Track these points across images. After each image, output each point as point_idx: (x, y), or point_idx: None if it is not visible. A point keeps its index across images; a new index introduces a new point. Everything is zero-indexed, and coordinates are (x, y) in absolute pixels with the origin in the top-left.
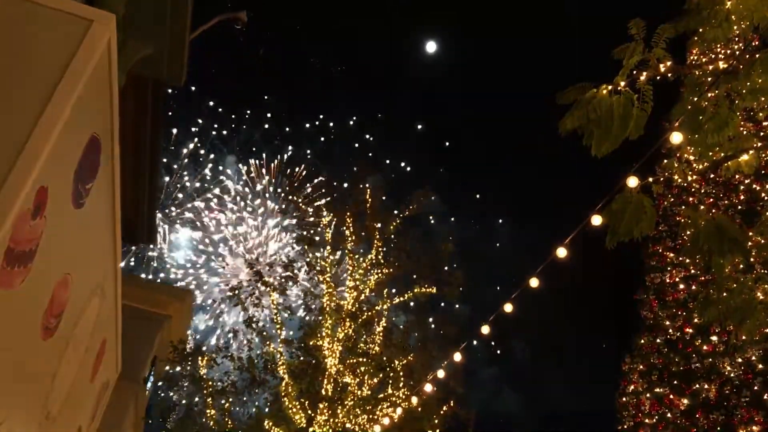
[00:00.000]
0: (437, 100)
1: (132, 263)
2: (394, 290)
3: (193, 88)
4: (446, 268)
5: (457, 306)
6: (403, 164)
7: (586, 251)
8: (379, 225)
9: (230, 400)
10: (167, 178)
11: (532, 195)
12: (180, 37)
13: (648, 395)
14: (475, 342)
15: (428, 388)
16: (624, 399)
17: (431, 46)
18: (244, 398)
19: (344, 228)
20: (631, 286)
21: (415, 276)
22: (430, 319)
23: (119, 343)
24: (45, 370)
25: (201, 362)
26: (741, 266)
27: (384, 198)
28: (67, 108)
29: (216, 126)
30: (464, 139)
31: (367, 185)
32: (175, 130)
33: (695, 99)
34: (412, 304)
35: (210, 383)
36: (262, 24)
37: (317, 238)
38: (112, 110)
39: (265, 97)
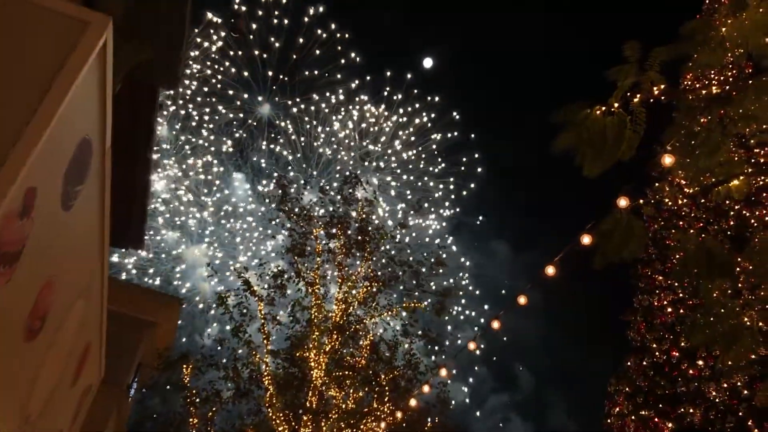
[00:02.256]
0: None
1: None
2: (383, 304)
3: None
4: (431, 278)
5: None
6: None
7: (588, 270)
8: (369, 239)
9: (214, 409)
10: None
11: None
12: (177, 43)
13: (633, 417)
14: (465, 357)
15: (413, 402)
16: (609, 421)
17: (428, 62)
18: (228, 408)
19: (335, 240)
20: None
21: (405, 289)
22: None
23: (103, 348)
24: (26, 373)
25: (186, 371)
26: (729, 291)
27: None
28: (59, 109)
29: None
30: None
31: (361, 197)
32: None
33: (687, 123)
34: (402, 318)
35: (194, 391)
36: None
37: (308, 249)
38: (105, 114)
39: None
